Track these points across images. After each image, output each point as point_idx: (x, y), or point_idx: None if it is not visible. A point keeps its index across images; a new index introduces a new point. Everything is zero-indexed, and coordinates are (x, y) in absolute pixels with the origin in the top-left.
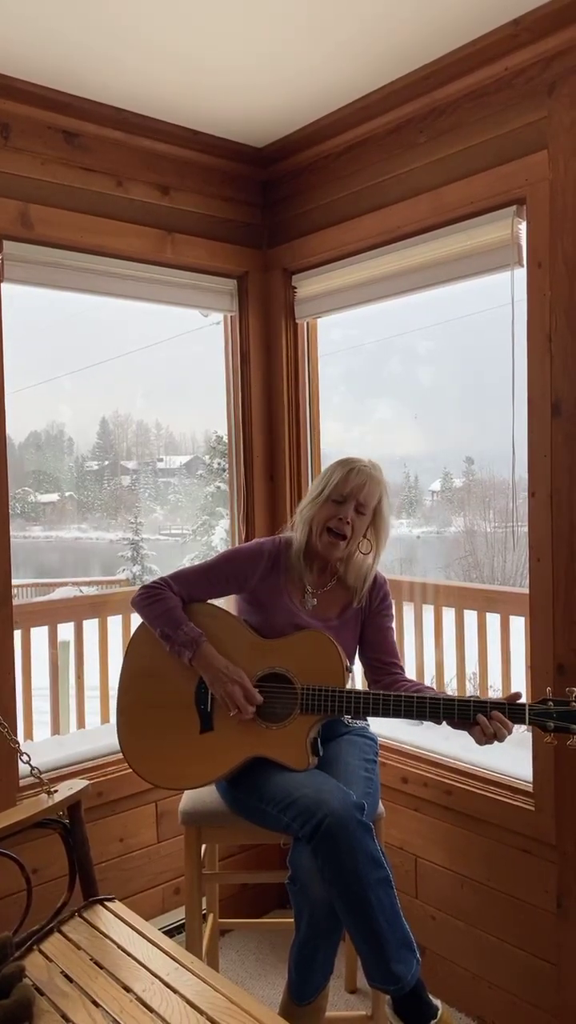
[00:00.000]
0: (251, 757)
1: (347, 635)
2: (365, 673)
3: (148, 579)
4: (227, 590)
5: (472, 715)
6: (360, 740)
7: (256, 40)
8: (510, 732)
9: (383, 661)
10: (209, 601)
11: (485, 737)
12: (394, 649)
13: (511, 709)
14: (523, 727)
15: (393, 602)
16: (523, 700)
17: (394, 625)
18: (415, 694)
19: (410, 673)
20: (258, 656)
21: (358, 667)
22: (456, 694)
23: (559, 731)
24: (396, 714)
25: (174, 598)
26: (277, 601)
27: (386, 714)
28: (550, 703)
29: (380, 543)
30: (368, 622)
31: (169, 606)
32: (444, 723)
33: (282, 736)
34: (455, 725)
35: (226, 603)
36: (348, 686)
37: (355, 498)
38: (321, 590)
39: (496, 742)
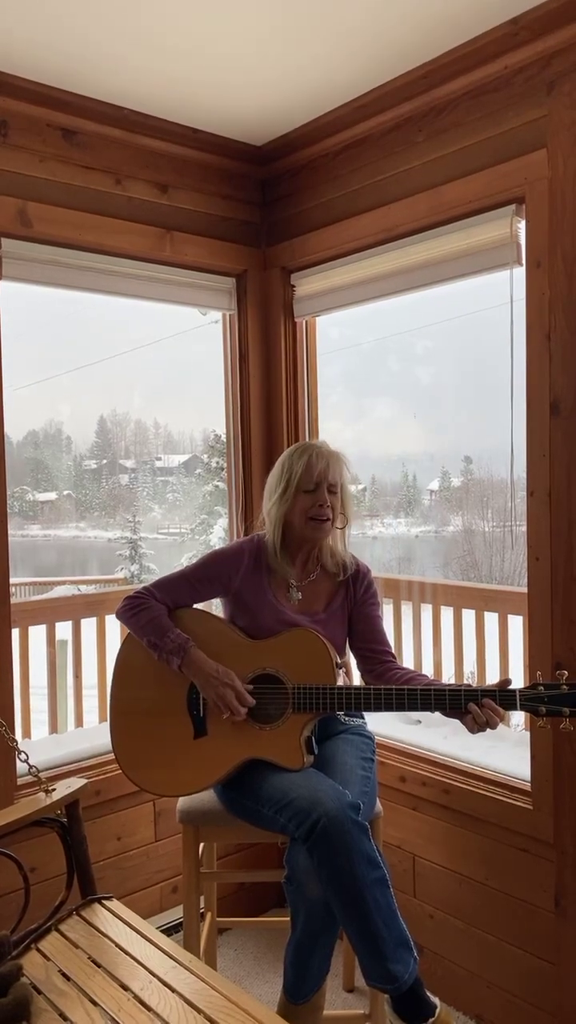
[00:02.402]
0: (247, 760)
1: (335, 626)
2: (357, 663)
3: (146, 578)
4: (211, 592)
5: (463, 704)
6: (357, 739)
7: (255, 39)
8: (502, 719)
9: (374, 650)
10: (195, 606)
11: (477, 725)
12: (384, 637)
13: (502, 695)
14: (516, 714)
15: (378, 591)
16: (514, 686)
17: (381, 613)
18: (406, 686)
19: None
20: (247, 658)
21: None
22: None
23: (551, 715)
24: (388, 707)
25: (159, 606)
26: (262, 599)
27: (378, 708)
28: (540, 687)
29: (348, 511)
30: (355, 612)
31: (154, 615)
32: (436, 712)
33: (276, 736)
34: (447, 714)
35: (213, 609)
36: (343, 680)
37: (326, 481)
38: (305, 581)
39: (488, 729)
